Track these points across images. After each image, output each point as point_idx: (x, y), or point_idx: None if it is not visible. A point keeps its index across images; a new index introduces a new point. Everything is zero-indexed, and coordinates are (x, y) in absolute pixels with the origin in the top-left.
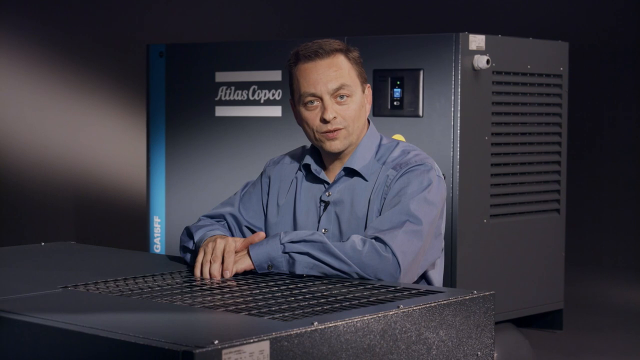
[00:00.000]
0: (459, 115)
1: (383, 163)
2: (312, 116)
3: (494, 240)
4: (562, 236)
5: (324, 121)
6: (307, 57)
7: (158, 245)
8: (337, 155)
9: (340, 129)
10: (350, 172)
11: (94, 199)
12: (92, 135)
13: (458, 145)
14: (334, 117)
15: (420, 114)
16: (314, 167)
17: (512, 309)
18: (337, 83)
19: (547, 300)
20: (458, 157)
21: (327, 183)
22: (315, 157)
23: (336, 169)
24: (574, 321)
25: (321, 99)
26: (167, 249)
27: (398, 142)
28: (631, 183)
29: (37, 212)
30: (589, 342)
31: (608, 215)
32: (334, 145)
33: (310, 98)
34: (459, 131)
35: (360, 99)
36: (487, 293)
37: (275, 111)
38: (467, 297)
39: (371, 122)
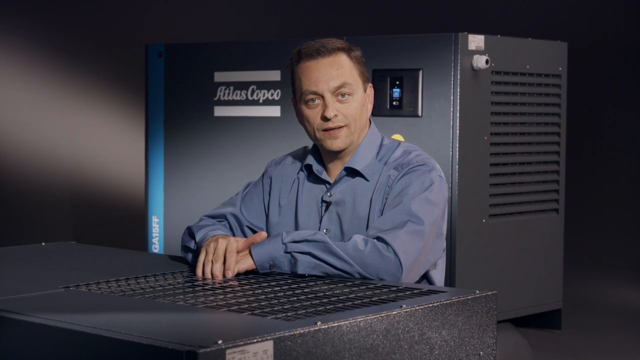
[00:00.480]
0: (458, 115)
1: (384, 163)
2: (313, 114)
3: (493, 240)
4: (561, 236)
5: (325, 119)
6: (309, 55)
7: (156, 245)
8: (337, 155)
9: (342, 127)
10: (352, 172)
11: (92, 199)
12: (90, 135)
13: (457, 145)
14: (335, 115)
15: (420, 114)
16: (316, 167)
17: (511, 309)
18: (338, 81)
19: (546, 299)
20: (457, 157)
21: (329, 183)
22: (317, 157)
23: (337, 169)
24: (572, 321)
25: (322, 97)
26: (166, 249)
27: (399, 142)
28: (630, 183)
29: (35, 212)
30: (588, 342)
31: (607, 215)
32: (335, 144)
33: (311, 96)
34: (458, 131)
35: (362, 98)
36: (490, 293)
37: (274, 111)
38: (470, 297)
39: (372, 122)
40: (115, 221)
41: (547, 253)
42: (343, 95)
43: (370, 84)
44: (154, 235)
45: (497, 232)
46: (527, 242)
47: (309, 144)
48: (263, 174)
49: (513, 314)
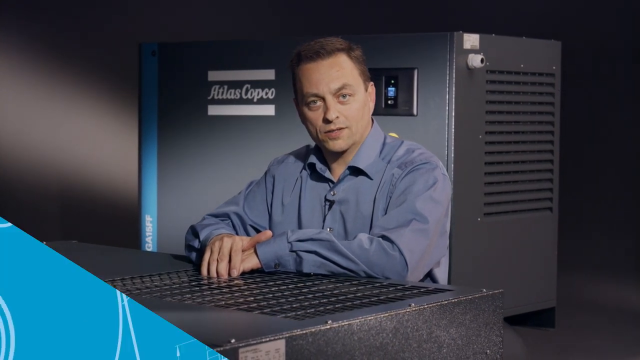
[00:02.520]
0: (453, 114)
1: (388, 162)
2: (315, 116)
3: (487, 239)
4: (555, 235)
5: (327, 121)
6: (309, 57)
7: (150, 244)
8: (340, 154)
9: (343, 128)
10: (355, 171)
11: (85, 198)
12: (83, 134)
13: (452, 144)
14: (337, 117)
15: (415, 112)
16: (319, 165)
17: (506, 307)
18: (339, 83)
19: (540, 298)
20: (452, 155)
21: (332, 182)
22: (320, 156)
23: (340, 167)
24: (566, 320)
25: (323, 99)
26: (159, 248)
27: (402, 140)
28: (624, 182)
29: (27, 211)
30: (581, 341)
31: (600, 214)
32: (337, 145)
33: (312, 98)
34: (453, 130)
35: (364, 97)
36: (496, 291)
37: (269, 110)
38: (477, 296)
39: (375, 121)
40: (108, 220)
41: (541, 252)
42: (344, 96)
43: (372, 83)
44: (147, 234)
45: (491, 231)
46: (521, 241)
47: (306, 142)
48: (265, 173)
49: (507, 313)
